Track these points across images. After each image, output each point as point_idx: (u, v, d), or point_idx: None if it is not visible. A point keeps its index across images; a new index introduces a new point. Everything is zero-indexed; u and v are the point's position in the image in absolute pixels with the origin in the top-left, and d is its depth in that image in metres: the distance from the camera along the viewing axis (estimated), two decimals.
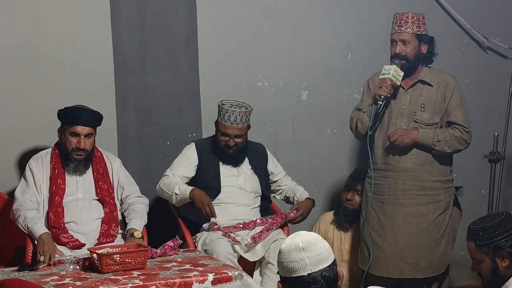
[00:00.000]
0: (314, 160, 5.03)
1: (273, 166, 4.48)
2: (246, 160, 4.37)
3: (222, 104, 4.20)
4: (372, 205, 4.15)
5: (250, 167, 4.37)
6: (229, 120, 4.18)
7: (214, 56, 4.76)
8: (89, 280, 3.29)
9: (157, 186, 4.29)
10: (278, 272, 2.39)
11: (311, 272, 2.28)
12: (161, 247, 3.72)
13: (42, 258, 3.59)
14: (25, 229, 3.80)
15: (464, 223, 5.32)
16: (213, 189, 4.24)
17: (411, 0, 5.19)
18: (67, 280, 3.29)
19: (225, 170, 4.31)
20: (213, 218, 4.08)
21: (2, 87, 4.31)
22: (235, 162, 4.32)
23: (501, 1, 5.46)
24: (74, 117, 3.93)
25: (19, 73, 4.33)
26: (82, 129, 3.93)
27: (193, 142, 4.37)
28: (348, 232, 4.55)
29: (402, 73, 3.98)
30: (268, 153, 4.50)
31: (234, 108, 4.19)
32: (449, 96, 4.06)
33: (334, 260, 2.35)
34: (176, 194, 4.16)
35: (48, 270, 3.48)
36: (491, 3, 5.42)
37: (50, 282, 3.26)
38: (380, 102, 3.96)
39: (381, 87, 3.95)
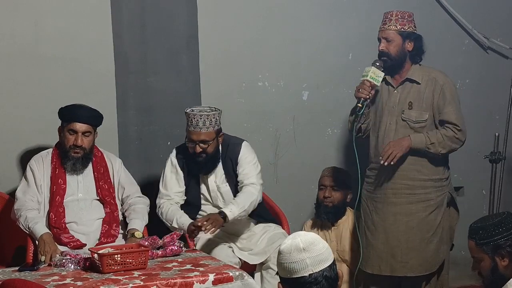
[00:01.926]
0: (315, 160, 5.03)
1: (240, 167, 4.13)
2: (221, 168, 4.13)
3: (191, 111, 4.01)
4: (367, 203, 4.18)
5: (224, 175, 4.13)
6: (191, 125, 3.97)
7: (214, 56, 4.76)
8: (90, 280, 3.29)
9: (157, 209, 4.13)
10: (277, 273, 2.39)
11: (312, 272, 2.27)
12: (161, 240, 3.72)
13: (43, 258, 3.59)
14: (26, 229, 3.80)
15: (465, 223, 5.32)
16: (194, 205, 4.12)
17: (411, 0, 5.20)
18: (68, 280, 3.28)
19: (202, 179, 4.14)
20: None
21: (2, 87, 4.31)
22: (207, 170, 4.09)
23: (502, 1, 5.46)
24: (72, 114, 3.94)
25: (20, 73, 4.34)
26: (80, 126, 3.93)
27: (174, 156, 4.16)
28: (332, 231, 4.55)
29: (382, 74, 4.00)
30: (242, 152, 4.13)
31: (197, 112, 3.98)
32: (438, 92, 4.04)
33: (334, 259, 2.35)
34: (174, 227, 4.00)
35: (49, 270, 3.49)
36: (492, 3, 5.42)
37: (51, 282, 3.26)
38: (360, 105, 3.98)
39: (359, 89, 3.98)
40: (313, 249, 2.29)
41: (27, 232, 3.79)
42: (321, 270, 2.28)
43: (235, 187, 4.14)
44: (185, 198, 4.17)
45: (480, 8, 5.39)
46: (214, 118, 3.99)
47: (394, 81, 4.11)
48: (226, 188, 4.15)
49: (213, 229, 3.83)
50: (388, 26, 4.04)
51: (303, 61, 4.98)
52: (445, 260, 4.18)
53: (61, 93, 4.31)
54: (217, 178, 4.15)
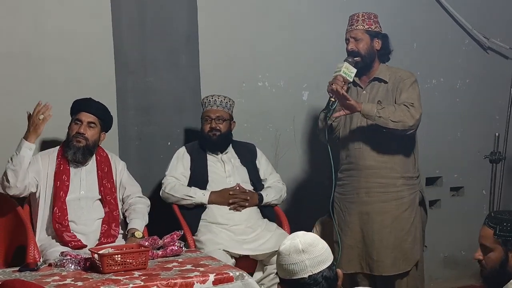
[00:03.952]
0: (315, 160, 5.03)
1: (261, 162, 4.54)
2: (234, 154, 4.48)
3: (205, 97, 4.47)
4: (340, 206, 4.18)
5: (239, 160, 4.46)
6: (209, 104, 4.40)
7: (214, 56, 4.76)
8: (90, 280, 3.29)
9: (161, 192, 4.36)
10: (276, 273, 2.39)
11: (311, 274, 2.28)
12: (161, 240, 3.72)
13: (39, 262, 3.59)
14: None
15: (465, 223, 5.35)
16: (200, 180, 4.35)
17: (411, 0, 5.20)
18: (68, 281, 3.28)
19: (211, 158, 4.42)
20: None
21: (2, 87, 4.31)
22: (220, 148, 4.43)
23: (502, 1, 5.46)
24: (80, 105, 4.04)
25: (19, 73, 4.33)
26: (85, 116, 3.99)
27: (183, 146, 4.50)
28: None
29: (354, 70, 4.00)
30: (258, 150, 4.58)
31: (214, 95, 4.43)
32: (400, 86, 4.06)
33: (333, 260, 2.35)
34: (191, 197, 4.29)
35: (49, 270, 3.48)
36: (492, 3, 5.43)
37: (51, 283, 3.25)
38: (332, 99, 3.98)
39: (333, 84, 3.97)
40: (312, 251, 2.30)
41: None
42: (320, 271, 2.28)
43: (250, 173, 4.45)
44: (188, 184, 4.37)
45: (480, 8, 5.40)
46: (229, 102, 4.44)
47: (361, 82, 4.13)
48: (242, 168, 4.45)
49: (245, 204, 4.29)
50: (355, 26, 4.07)
51: (303, 61, 4.98)
52: (418, 260, 4.17)
53: (61, 93, 4.30)
54: (232, 158, 4.45)
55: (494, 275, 2.81)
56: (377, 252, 4.07)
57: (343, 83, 3.96)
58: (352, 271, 4.13)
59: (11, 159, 3.87)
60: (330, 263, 2.32)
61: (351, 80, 4.00)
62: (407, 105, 3.96)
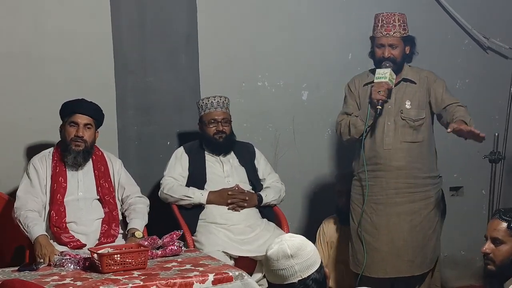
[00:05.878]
0: (314, 160, 5.03)
1: (259, 162, 4.54)
2: (233, 154, 4.47)
3: (201, 99, 4.43)
4: (361, 207, 4.13)
5: (237, 160, 4.46)
6: (212, 106, 4.36)
7: (214, 56, 4.76)
8: (90, 280, 3.29)
9: (159, 192, 4.36)
10: (264, 276, 2.36)
11: (301, 278, 2.24)
12: (160, 240, 3.73)
13: (41, 261, 3.59)
14: (24, 228, 3.79)
15: (465, 223, 5.34)
16: (199, 180, 4.35)
17: (411, 0, 5.20)
18: (67, 280, 3.29)
19: (210, 158, 4.42)
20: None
21: (2, 87, 4.31)
22: (227, 150, 4.42)
23: (502, 1, 5.46)
24: (74, 107, 3.98)
25: (19, 73, 4.34)
26: (81, 118, 3.95)
27: (181, 146, 4.49)
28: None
29: (395, 76, 4.02)
30: (256, 150, 4.57)
31: (211, 96, 4.40)
32: (433, 87, 4.09)
33: (321, 261, 2.33)
34: (189, 197, 4.30)
35: (48, 270, 3.49)
36: (492, 3, 5.42)
37: (51, 282, 3.26)
38: (380, 107, 3.98)
39: (379, 91, 3.97)
40: (301, 255, 2.26)
41: (25, 231, 3.78)
42: (309, 275, 2.24)
43: (248, 173, 4.44)
44: (187, 184, 4.37)
45: (480, 8, 5.39)
46: (226, 101, 4.42)
47: None
48: (241, 168, 4.44)
49: (243, 204, 4.27)
50: (393, 33, 4.04)
51: (303, 61, 4.98)
52: (438, 257, 4.21)
53: (61, 94, 4.29)
54: (231, 159, 4.44)
55: (503, 269, 2.78)
56: (408, 253, 4.07)
57: (388, 90, 3.98)
58: (374, 275, 4.10)
59: (22, 220, 3.80)
60: (318, 265, 2.28)
61: (393, 86, 4.02)
62: (462, 105, 4.04)
